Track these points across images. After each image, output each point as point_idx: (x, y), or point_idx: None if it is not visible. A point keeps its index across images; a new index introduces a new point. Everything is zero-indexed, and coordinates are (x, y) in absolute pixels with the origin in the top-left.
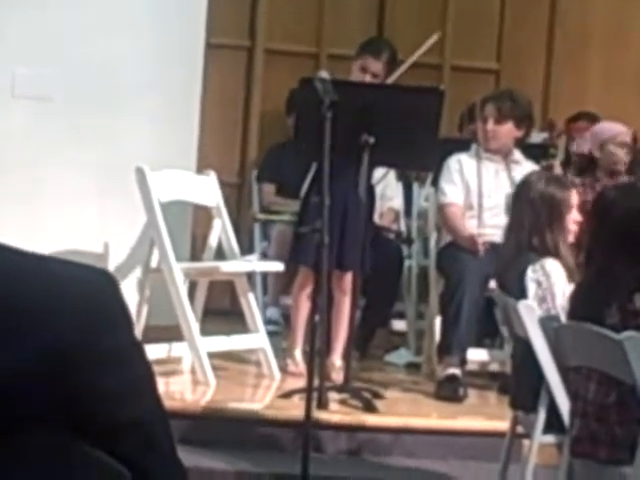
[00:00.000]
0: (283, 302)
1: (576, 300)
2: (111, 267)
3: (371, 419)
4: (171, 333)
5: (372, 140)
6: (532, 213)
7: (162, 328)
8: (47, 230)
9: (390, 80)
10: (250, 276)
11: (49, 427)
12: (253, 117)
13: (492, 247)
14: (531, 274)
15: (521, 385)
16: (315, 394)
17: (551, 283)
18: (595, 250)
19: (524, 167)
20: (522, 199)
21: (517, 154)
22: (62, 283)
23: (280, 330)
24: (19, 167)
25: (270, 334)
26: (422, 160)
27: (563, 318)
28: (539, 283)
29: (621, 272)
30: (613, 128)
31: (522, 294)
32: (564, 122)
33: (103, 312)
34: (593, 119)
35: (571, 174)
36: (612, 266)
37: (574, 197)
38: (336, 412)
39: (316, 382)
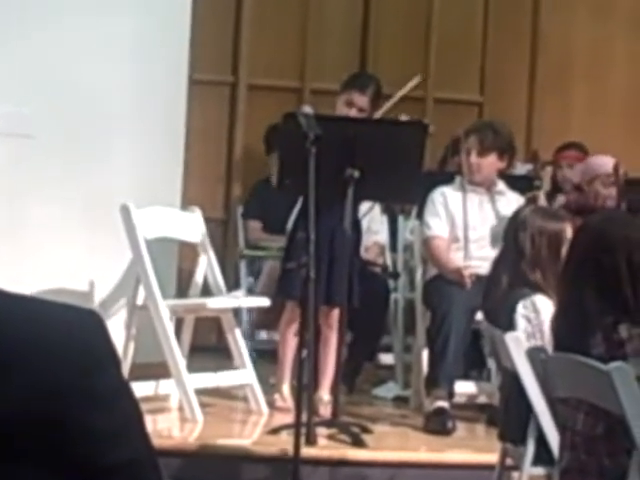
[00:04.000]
0: (259, 337)
1: (559, 331)
2: (96, 305)
3: (360, 454)
4: (158, 370)
5: (357, 174)
6: (532, 249)
7: (149, 365)
8: (30, 268)
9: (376, 116)
10: (236, 312)
11: (37, 469)
12: (237, 152)
13: (478, 279)
14: (521, 310)
15: (510, 417)
16: (303, 429)
17: (540, 320)
18: (564, 280)
19: (508, 198)
20: (518, 234)
21: (501, 185)
22: (48, 324)
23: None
24: (1, 204)
25: None
26: (406, 193)
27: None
28: (529, 319)
29: (591, 304)
30: (606, 164)
31: (511, 328)
32: (553, 152)
33: (90, 353)
34: (583, 149)
35: (557, 205)
36: (583, 298)
37: (569, 230)
38: (325, 447)
39: (304, 417)
